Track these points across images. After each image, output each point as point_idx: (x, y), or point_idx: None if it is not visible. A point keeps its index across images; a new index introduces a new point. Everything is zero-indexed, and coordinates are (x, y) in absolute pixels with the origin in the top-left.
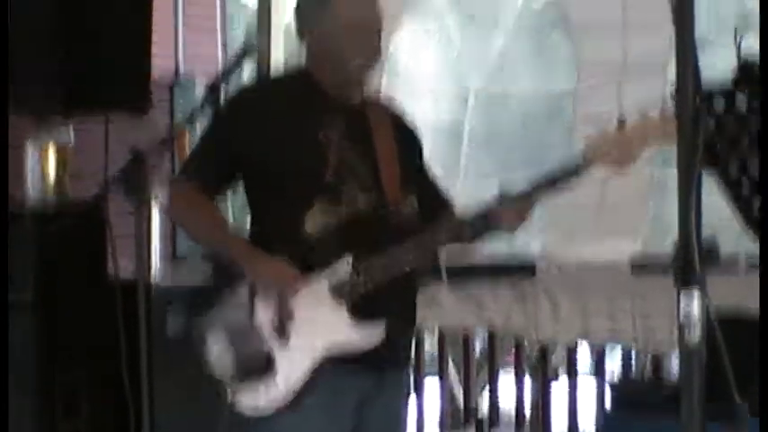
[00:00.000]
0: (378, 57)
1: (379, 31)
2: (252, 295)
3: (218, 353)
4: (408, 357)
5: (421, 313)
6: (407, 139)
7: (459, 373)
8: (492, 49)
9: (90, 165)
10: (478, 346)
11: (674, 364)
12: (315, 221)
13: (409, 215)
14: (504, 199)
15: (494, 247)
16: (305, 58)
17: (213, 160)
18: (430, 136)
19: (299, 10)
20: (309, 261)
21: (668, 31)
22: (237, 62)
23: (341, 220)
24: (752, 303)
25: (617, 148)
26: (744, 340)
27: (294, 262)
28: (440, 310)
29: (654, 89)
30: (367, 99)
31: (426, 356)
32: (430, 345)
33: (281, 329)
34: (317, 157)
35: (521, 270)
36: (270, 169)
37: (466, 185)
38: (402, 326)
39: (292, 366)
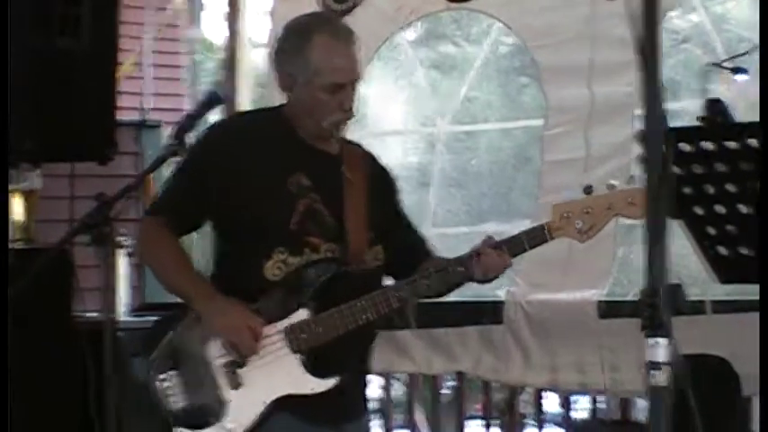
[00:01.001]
0: (353, 112)
1: (355, 84)
2: (206, 338)
3: (169, 393)
4: (365, 407)
5: (390, 359)
6: (381, 188)
7: (427, 419)
8: (459, 93)
9: (57, 211)
10: (446, 392)
11: (642, 405)
12: (275, 268)
13: (373, 269)
14: (482, 252)
15: (461, 295)
16: (287, 104)
17: (184, 199)
18: (398, 179)
19: (278, 64)
20: (268, 305)
21: (635, 75)
22: (204, 107)
23: (301, 269)
24: (717, 346)
25: (582, 218)
26: (709, 381)
27: (253, 305)
28: (408, 357)
29: (621, 134)
30: (344, 148)
31: (395, 403)
32: (397, 391)
33: (234, 374)
34: (284, 205)
35: (489, 317)
36: (237, 212)
37: (435, 229)
38: (356, 377)
39: (243, 411)
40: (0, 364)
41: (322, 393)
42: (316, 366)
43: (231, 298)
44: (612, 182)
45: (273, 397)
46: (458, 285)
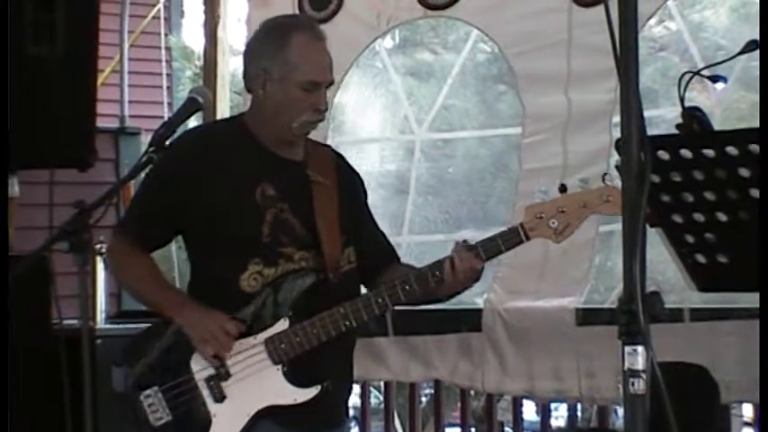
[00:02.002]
0: (324, 114)
1: (328, 86)
2: (188, 351)
3: (153, 410)
4: (347, 415)
5: (367, 367)
6: (350, 189)
7: (404, 426)
8: (436, 101)
9: (35, 218)
10: (424, 399)
11: (620, 413)
12: (251, 280)
13: (347, 273)
14: (455, 255)
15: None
16: (248, 111)
17: (151, 214)
18: (376, 186)
19: (251, 59)
20: (246, 318)
21: (613, 83)
22: (184, 114)
23: (277, 280)
24: (695, 354)
25: (556, 217)
26: (687, 389)
27: (232, 317)
28: (385, 365)
29: (598, 142)
30: (310, 151)
31: (372, 410)
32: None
33: (217, 387)
34: (253, 217)
35: (467, 324)
36: (207, 226)
37: (412, 236)
38: (339, 386)
39: (227, 424)
40: (0, 363)
41: (304, 401)
42: (297, 376)
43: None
44: (586, 177)
45: (257, 409)
46: (434, 298)
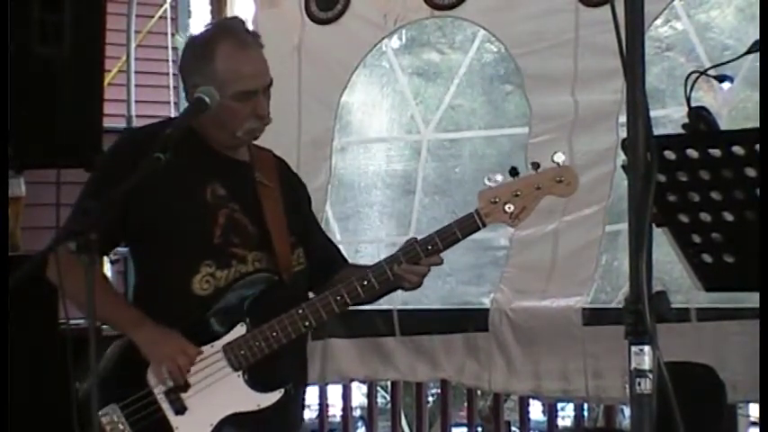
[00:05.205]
0: (268, 117)
1: (266, 89)
2: (143, 364)
3: (113, 428)
4: (302, 415)
5: (374, 367)
6: (294, 193)
7: (411, 426)
8: (443, 101)
9: (42, 218)
10: (431, 399)
11: (626, 413)
12: (203, 282)
13: (297, 273)
14: (406, 251)
15: (446, 302)
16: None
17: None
18: (382, 186)
19: (185, 78)
20: (200, 322)
21: (620, 83)
22: (191, 114)
23: (231, 282)
24: (701, 353)
25: (512, 202)
26: (694, 389)
27: (184, 323)
28: (393, 364)
29: (605, 142)
30: (255, 154)
31: (379, 410)
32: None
33: (177, 399)
34: (204, 218)
35: (474, 324)
36: (157, 228)
37: (419, 236)
38: (299, 387)
39: None
40: (0, 363)
41: (268, 406)
42: (258, 382)
43: (161, 324)
44: (537, 161)
45: (220, 418)
46: (388, 292)
